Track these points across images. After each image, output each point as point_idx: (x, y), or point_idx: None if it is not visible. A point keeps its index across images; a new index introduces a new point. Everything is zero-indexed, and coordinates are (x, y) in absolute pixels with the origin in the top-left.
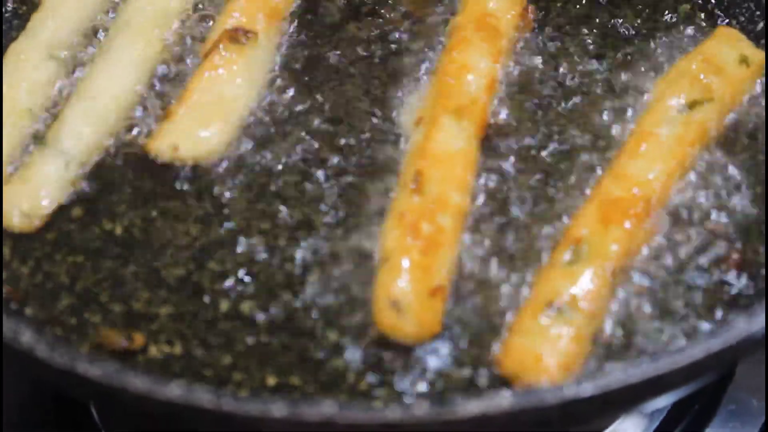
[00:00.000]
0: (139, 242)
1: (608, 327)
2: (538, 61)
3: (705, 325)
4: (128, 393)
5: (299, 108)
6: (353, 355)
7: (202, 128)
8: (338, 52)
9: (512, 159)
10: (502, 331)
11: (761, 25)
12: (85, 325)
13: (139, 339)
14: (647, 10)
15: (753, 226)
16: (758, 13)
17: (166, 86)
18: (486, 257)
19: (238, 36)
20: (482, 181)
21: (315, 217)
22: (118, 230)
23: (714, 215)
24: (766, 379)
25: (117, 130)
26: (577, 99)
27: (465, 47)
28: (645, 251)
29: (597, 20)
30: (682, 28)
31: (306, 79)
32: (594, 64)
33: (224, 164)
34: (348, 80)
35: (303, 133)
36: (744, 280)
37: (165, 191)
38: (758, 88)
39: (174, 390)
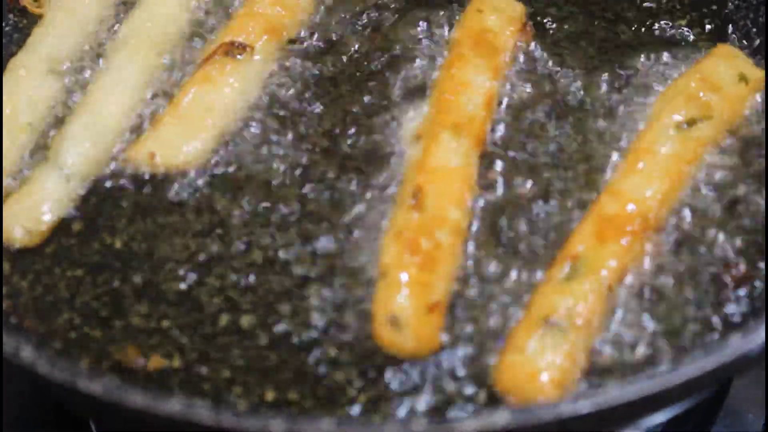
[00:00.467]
0: (139, 256)
1: (604, 343)
2: (534, 77)
3: (701, 342)
4: (128, 409)
5: (295, 120)
6: (351, 370)
7: (184, 138)
8: (336, 65)
9: (508, 175)
10: (499, 347)
11: (758, 41)
12: (85, 339)
13: (156, 360)
14: (644, 27)
15: (751, 242)
16: (755, 29)
17: (165, 102)
18: (483, 273)
19: (233, 49)
20: (478, 196)
21: (313, 231)
22: (118, 244)
23: (711, 232)
24: (766, 395)
25: (117, 146)
26: (573, 115)
27: (463, 64)
28: (641, 267)
29: (593, 36)
30: (678, 44)
31: (303, 90)
32: (590, 80)
33: (218, 176)
34: (345, 93)
35: (299, 146)
36: (740, 297)
37: (164, 206)
38: (757, 105)
39: (174, 406)
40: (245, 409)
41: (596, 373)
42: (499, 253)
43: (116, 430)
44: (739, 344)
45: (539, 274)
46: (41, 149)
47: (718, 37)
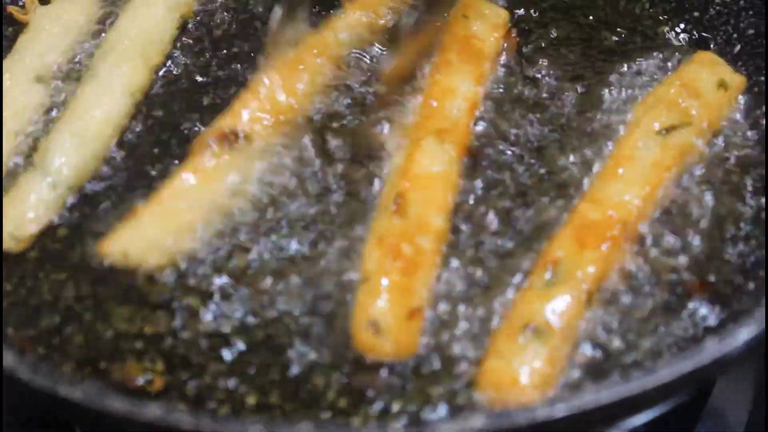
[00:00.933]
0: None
1: (583, 347)
2: (514, 82)
3: (678, 345)
4: (109, 415)
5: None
6: (331, 374)
7: (160, 237)
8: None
9: (488, 180)
10: (479, 352)
11: (738, 47)
12: (67, 344)
13: (158, 381)
14: (625, 33)
15: (723, 248)
16: (735, 35)
17: (151, 110)
18: (463, 278)
19: (230, 138)
20: (459, 202)
21: (298, 236)
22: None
23: (690, 237)
24: (754, 395)
25: (102, 153)
26: (553, 121)
27: (448, 70)
28: (621, 272)
29: (576, 42)
30: (660, 50)
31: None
32: (571, 86)
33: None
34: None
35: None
36: (716, 302)
37: None
38: (737, 111)
39: (153, 411)
40: (227, 413)
41: (575, 377)
42: (478, 258)
43: None
44: (716, 347)
45: (519, 279)
46: (28, 156)
47: (700, 43)
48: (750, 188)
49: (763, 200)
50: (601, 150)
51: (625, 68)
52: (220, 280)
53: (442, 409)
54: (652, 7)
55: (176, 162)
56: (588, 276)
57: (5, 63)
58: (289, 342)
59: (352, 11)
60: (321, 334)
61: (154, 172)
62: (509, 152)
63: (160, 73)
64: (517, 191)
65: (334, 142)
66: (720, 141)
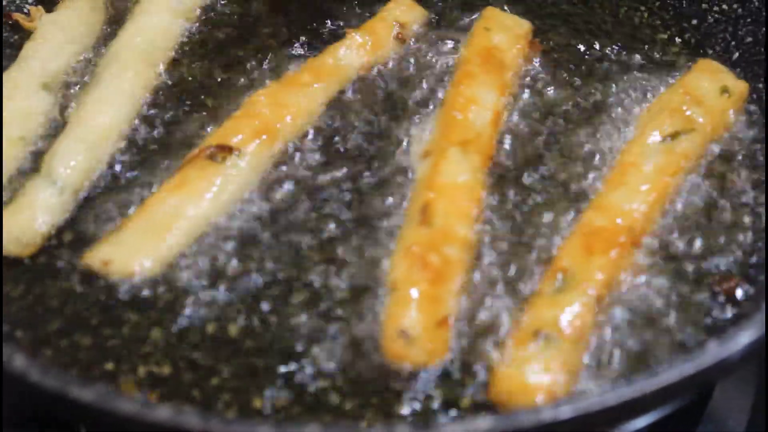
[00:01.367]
0: None
1: (593, 352)
2: (518, 90)
3: (681, 348)
4: (118, 416)
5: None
6: (338, 376)
7: (144, 249)
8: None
9: (504, 188)
10: (491, 359)
11: (737, 54)
12: (75, 348)
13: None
14: (625, 40)
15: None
16: (733, 43)
17: (156, 115)
18: (475, 285)
19: (218, 153)
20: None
21: (296, 245)
22: None
23: (695, 242)
24: (755, 399)
25: (107, 158)
26: (557, 129)
27: (471, 81)
28: (627, 278)
29: (576, 51)
30: (660, 58)
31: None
32: (574, 94)
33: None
34: (355, 112)
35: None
36: (721, 305)
37: None
38: (740, 117)
39: (162, 413)
40: (234, 416)
41: (582, 381)
42: (491, 265)
43: None
44: (717, 351)
45: (531, 287)
46: (34, 161)
47: (699, 50)
48: (752, 192)
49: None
50: (606, 157)
51: (626, 77)
52: (226, 288)
53: (450, 412)
54: (650, 16)
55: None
56: (596, 282)
57: (11, 70)
58: (297, 345)
59: (353, 36)
60: (326, 338)
61: (159, 177)
62: (514, 159)
63: (164, 78)
64: (523, 199)
65: (327, 158)
66: (723, 146)
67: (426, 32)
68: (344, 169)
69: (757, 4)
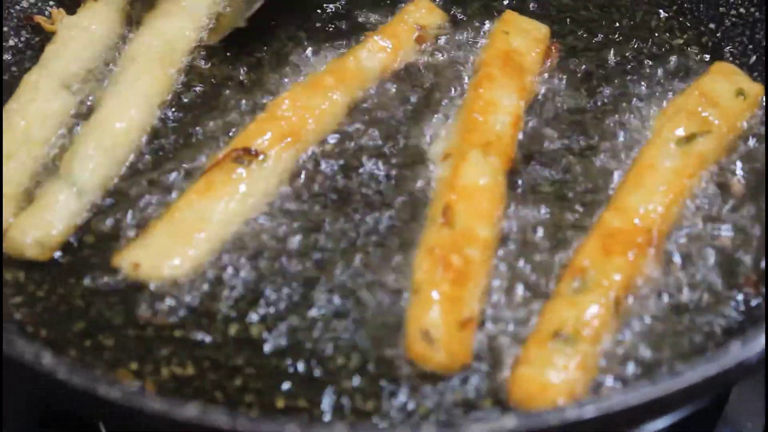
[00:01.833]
0: None
1: (612, 352)
2: (542, 95)
3: (702, 349)
4: (145, 414)
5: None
6: (360, 378)
7: (173, 252)
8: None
9: (522, 189)
10: (511, 359)
11: (754, 57)
12: (99, 347)
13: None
14: (642, 44)
15: (749, 253)
16: (750, 46)
17: (174, 118)
18: (495, 287)
19: (243, 156)
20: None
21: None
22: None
23: (714, 243)
24: (766, 404)
25: (126, 160)
26: (574, 131)
27: (491, 84)
28: (645, 278)
29: (594, 54)
30: (677, 61)
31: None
32: (591, 96)
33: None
34: (375, 114)
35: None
36: (740, 306)
37: None
38: (756, 119)
39: (190, 411)
40: (258, 415)
41: (602, 380)
42: (510, 268)
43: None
44: (740, 352)
45: (550, 288)
46: (54, 163)
47: (716, 53)
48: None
49: None
50: (623, 159)
51: (644, 79)
52: (249, 291)
53: (473, 414)
54: (668, 20)
55: (200, 169)
56: (614, 283)
57: (33, 72)
58: (318, 347)
59: (375, 38)
60: (348, 339)
61: (178, 179)
62: (529, 161)
63: (182, 80)
64: (541, 200)
65: (348, 160)
66: (739, 148)
67: (445, 35)
68: (365, 170)
69: None
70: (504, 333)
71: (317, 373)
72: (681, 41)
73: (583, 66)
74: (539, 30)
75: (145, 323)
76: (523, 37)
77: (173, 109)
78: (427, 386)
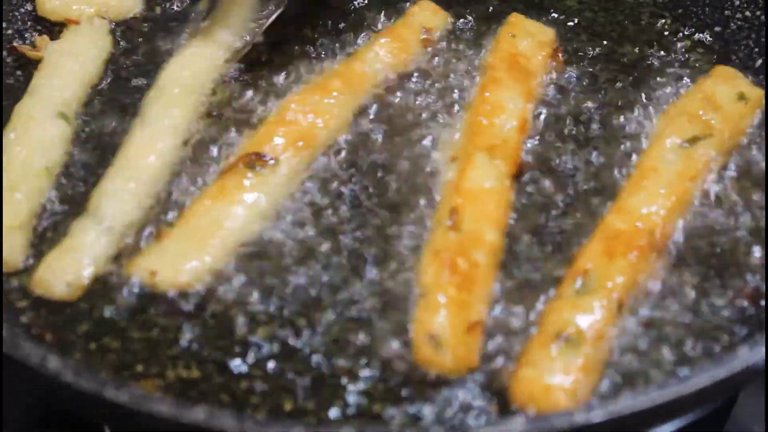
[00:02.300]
0: None
1: (616, 355)
2: (547, 98)
3: (708, 354)
4: (152, 417)
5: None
6: (367, 381)
7: (189, 258)
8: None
9: (528, 191)
10: (513, 361)
11: (760, 61)
12: (105, 350)
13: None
14: (646, 47)
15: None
16: (756, 49)
17: (203, 153)
18: (498, 288)
19: (256, 161)
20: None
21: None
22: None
23: (719, 248)
24: (766, 408)
25: (155, 197)
26: (576, 134)
27: (497, 87)
28: (648, 281)
29: (599, 57)
30: (682, 64)
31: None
32: (594, 99)
33: None
34: (381, 117)
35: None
36: (746, 311)
37: None
38: (757, 123)
39: (198, 414)
40: (265, 418)
41: (608, 384)
42: (513, 269)
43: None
44: (748, 355)
45: (552, 290)
46: (73, 197)
47: (721, 57)
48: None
49: None
50: (626, 162)
51: (647, 82)
52: (254, 292)
53: (478, 417)
54: (673, 23)
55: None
56: (617, 285)
57: (24, 101)
58: (325, 350)
59: (382, 40)
60: (356, 341)
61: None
62: (536, 165)
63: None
64: (544, 202)
65: (355, 162)
66: (741, 152)
67: (450, 37)
68: (372, 173)
69: None
70: (506, 334)
71: (324, 376)
72: (686, 44)
73: (588, 69)
74: (545, 33)
75: (151, 325)
76: (529, 40)
77: (202, 143)
78: (434, 390)
